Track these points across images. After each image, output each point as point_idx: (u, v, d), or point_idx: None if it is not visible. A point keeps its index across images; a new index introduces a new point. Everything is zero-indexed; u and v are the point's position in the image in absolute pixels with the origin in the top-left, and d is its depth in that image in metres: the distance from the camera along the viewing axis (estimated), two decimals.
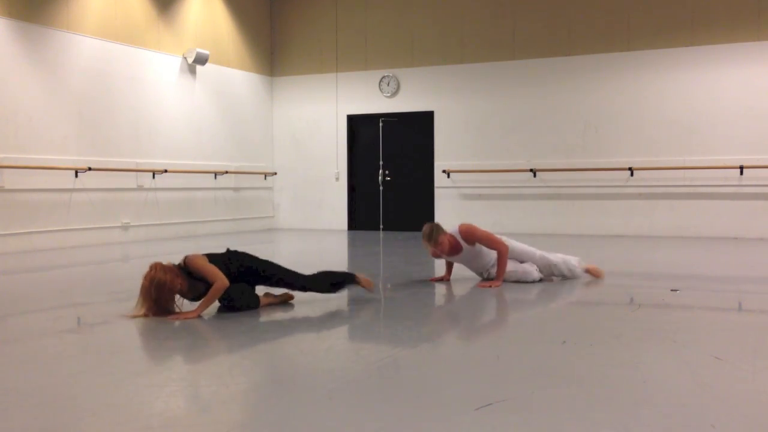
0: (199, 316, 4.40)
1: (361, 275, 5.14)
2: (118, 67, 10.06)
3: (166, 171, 10.66)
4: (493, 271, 5.73)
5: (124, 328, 4.25)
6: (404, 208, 12.37)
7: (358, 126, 12.70)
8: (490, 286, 5.52)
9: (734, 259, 7.90)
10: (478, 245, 5.71)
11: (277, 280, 4.77)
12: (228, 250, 4.79)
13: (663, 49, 10.57)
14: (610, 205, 10.91)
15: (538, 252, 5.89)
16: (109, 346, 3.76)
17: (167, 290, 4.32)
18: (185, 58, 11.18)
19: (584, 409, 2.62)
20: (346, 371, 3.21)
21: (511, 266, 5.75)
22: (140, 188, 10.37)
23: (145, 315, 4.36)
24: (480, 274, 5.90)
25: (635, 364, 3.24)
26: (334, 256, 8.66)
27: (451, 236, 5.69)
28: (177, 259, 4.57)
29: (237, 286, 4.58)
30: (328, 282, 4.93)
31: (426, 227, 5.65)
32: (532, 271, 5.77)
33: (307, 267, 6.98)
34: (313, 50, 12.86)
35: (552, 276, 5.91)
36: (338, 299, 5.40)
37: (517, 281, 5.74)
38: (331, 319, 4.62)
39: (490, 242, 5.66)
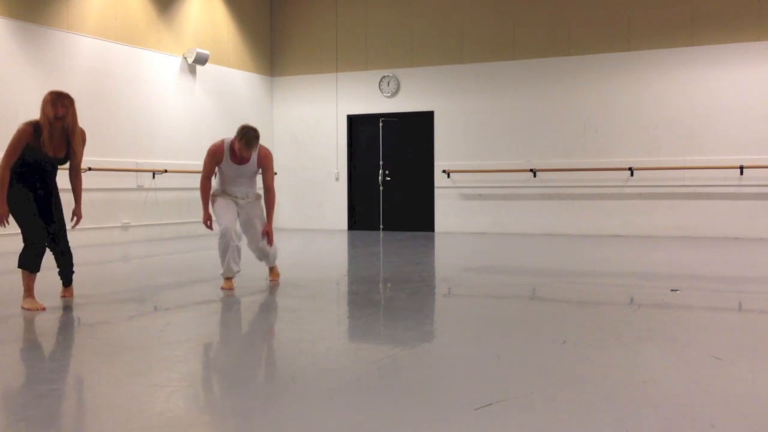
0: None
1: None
2: (118, 67, 10.05)
3: (166, 171, 10.65)
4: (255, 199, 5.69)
5: (124, 328, 4.25)
6: (404, 208, 12.36)
7: (358, 126, 12.70)
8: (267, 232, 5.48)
9: (734, 259, 7.90)
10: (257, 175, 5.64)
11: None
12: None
13: (663, 49, 10.57)
14: (610, 205, 10.91)
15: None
16: (109, 346, 3.76)
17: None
18: (185, 58, 11.17)
19: (584, 409, 2.62)
20: (346, 371, 3.21)
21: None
22: (140, 188, 10.37)
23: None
24: (239, 196, 5.64)
25: (635, 364, 3.24)
26: (334, 256, 8.66)
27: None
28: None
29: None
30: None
31: (256, 132, 5.37)
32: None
33: (307, 267, 6.99)
34: (313, 50, 12.85)
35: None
36: (337, 298, 5.40)
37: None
38: (330, 319, 4.62)
39: (269, 183, 5.54)
